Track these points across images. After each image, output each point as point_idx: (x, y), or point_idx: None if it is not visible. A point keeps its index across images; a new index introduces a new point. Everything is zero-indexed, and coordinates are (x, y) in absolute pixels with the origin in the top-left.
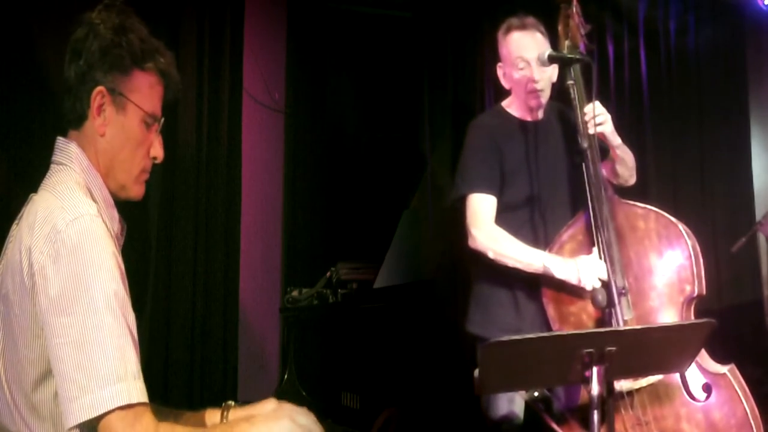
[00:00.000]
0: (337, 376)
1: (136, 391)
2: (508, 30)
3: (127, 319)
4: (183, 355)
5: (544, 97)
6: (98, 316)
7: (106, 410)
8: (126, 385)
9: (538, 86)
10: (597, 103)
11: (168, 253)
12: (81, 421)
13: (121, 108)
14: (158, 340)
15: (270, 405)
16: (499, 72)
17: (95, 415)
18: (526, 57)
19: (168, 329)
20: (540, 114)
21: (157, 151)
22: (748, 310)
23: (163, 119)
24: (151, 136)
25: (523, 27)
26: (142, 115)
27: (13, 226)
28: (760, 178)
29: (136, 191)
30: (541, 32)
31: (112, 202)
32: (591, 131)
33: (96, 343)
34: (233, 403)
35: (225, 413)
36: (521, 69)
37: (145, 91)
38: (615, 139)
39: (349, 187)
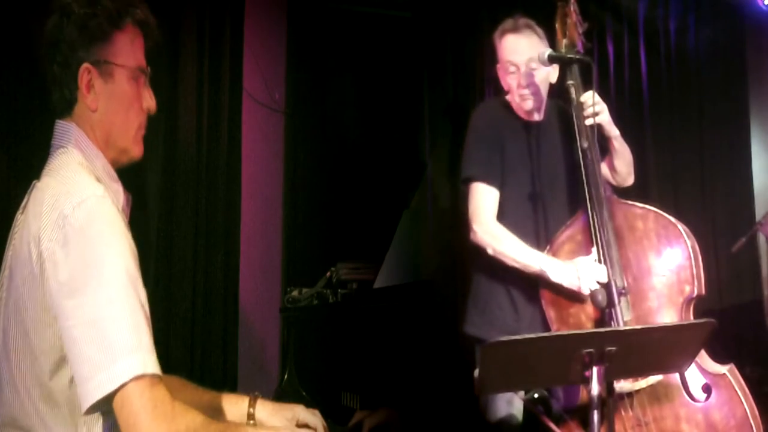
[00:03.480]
0: (337, 376)
1: (151, 363)
2: (503, 33)
3: (139, 295)
4: (183, 355)
5: (536, 100)
6: (110, 292)
7: (122, 382)
8: (141, 356)
9: (527, 91)
10: (594, 93)
11: (168, 253)
12: (98, 399)
13: (108, 76)
14: (158, 340)
15: (299, 410)
16: (498, 73)
17: (112, 390)
18: (515, 61)
19: (168, 329)
20: (538, 115)
21: (149, 103)
22: (748, 310)
23: (149, 69)
24: (141, 89)
25: (515, 30)
26: (129, 72)
27: (18, 216)
28: (760, 178)
29: (136, 151)
30: (537, 34)
31: (115, 176)
32: (589, 122)
33: (109, 318)
34: (259, 394)
35: (253, 403)
36: (511, 73)
37: (128, 48)
38: (613, 130)
39: (349, 187)
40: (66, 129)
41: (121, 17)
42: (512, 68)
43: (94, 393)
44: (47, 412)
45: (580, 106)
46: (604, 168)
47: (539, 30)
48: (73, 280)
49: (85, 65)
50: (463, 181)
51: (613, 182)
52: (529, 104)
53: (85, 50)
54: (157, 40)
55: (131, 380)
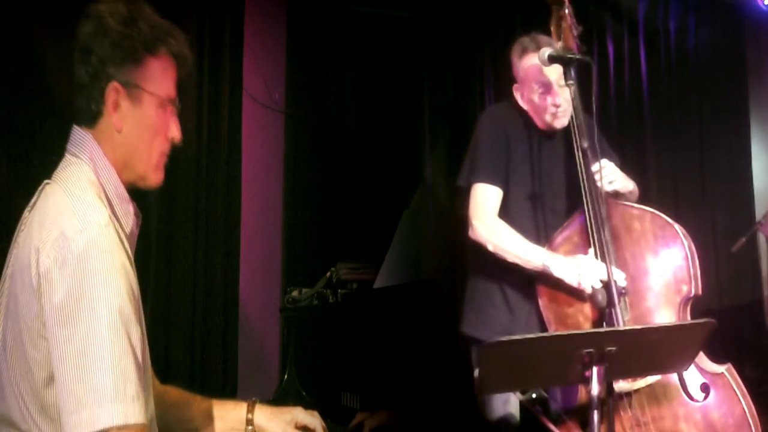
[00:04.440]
0: (337, 376)
1: (134, 413)
2: (524, 52)
3: (131, 337)
4: (183, 355)
5: (568, 115)
6: (100, 331)
7: (103, 427)
8: (124, 406)
9: (560, 110)
10: (604, 161)
11: (168, 253)
12: None
13: (136, 99)
14: (158, 340)
15: (297, 412)
16: (516, 94)
17: (91, 431)
18: (549, 80)
19: (168, 329)
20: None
21: (175, 133)
22: (748, 310)
23: (179, 102)
24: (168, 119)
25: (539, 48)
26: (158, 101)
27: (25, 213)
28: (760, 178)
29: (156, 179)
30: (556, 49)
31: (127, 197)
32: (604, 188)
33: (96, 358)
34: (257, 400)
35: (251, 408)
36: (544, 92)
37: (159, 76)
38: (627, 186)
39: (349, 187)
40: (82, 138)
41: (156, 45)
42: (542, 89)
43: (75, 427)
44: (41, 421)
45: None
46: None
47: (557, 46)
48: (65, 309)
49: (114, 84)
50: (461, 187)
51: None
52: (559, 123)
53: (115, 68)
54: (189, 72)
55: (113, 429)
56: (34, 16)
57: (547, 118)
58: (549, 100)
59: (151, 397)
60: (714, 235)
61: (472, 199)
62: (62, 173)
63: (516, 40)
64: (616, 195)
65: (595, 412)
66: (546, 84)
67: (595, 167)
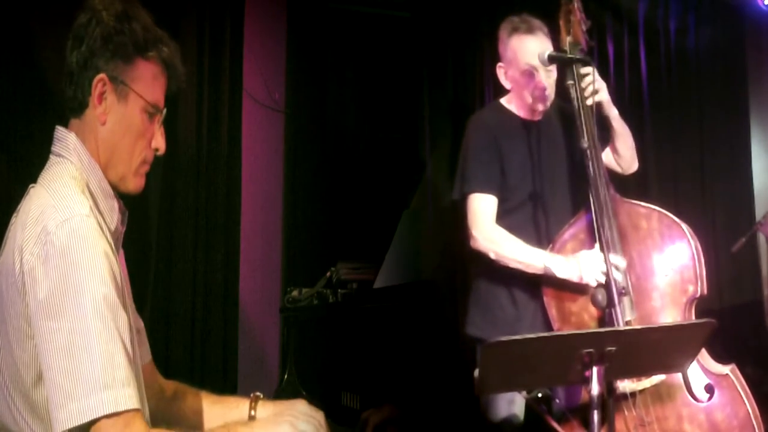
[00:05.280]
0: (337, 376)
1: (124, 399)
2: (514, 31)
3: (118, 324)
4: (183, 355)
5: (550, 99)
6: (86, 321)
7: (93, 418)
8: (113, 393)
9: (543, 93)
10: (594, 70)
11: (168, 253)
12: (68, 428)
13: (122, 97)
14: (158, 340)
15: (300, 405)
16: (500, 72)
17: (82, 423)
18: (534, 63)
19: (168, 329)
20: (539, 115)
21: (159, 143)
22: (748, 310)
23: (165, 110)
24: (153, 127)
25: (530, 30)
26: (144, 104)
27: (13, 218)
28: (760, 178)
29: (136, 184)
30: (545, 34)
31: (111, 192)
32: (589, 101)
33: (83, 349)
34: (261, 395)
35: (253, 404)
36: (530, 75)
37: (148, 80)
38: (612, 110)
39: (349, 187)
40: (65, 136)
41: (147, 48)
42: (529, 70)
43: (64, 421)
44: (32, 422)
45: (581, 90)
46: (608, 156)
47: (547, 30)
48: (50, 302)
49: (102, 75)
50: (456, 199)
51: (618, 169)
52: (542, 105)
53: (104, 61)
54: (180, 86)
55: (104, 417)
56: (34, 16)
57: (531, 100)
58: (534, 83)
59: (144, 395)
60: (714, 235)
61: (469, 211)
62: (46, 174)
63: (506, 18)
64: (600, 108)
65: (595, 412)
66: (533, 67)
67: (586, 70)
